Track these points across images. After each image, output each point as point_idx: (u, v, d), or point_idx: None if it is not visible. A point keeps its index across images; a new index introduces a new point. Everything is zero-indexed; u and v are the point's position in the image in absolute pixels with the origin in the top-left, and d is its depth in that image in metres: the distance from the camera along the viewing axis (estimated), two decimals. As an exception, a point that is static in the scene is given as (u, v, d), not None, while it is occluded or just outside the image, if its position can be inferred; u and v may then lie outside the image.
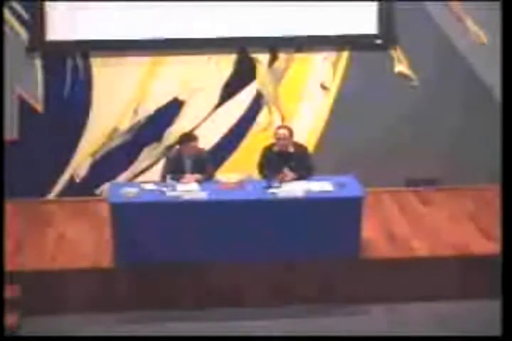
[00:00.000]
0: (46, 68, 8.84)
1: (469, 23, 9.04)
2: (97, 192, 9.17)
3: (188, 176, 7.68)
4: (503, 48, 6.88)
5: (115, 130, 9.10)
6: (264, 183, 7.55)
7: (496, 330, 6.35)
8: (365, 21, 8.90)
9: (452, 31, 9.03)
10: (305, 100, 9.19)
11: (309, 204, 7.34)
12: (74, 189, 9.16)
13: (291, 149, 7.78)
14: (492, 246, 7.73)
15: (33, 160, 8.99)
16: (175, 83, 9.00)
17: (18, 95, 8.87)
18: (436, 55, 9.06)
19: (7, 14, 8.63)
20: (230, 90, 9.08)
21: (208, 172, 7.78)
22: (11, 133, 8.90)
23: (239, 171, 8.23)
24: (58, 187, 9.17)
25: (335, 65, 9.10)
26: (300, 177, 7.66)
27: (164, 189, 7.41)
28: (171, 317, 7.28)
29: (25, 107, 8.91)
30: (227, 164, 9.18)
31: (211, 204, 7.30)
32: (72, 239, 8.07)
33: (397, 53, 9.07)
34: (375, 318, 7.32)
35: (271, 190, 7.42)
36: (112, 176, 9.07)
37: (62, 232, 8.22)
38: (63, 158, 9.09)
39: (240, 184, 7.58)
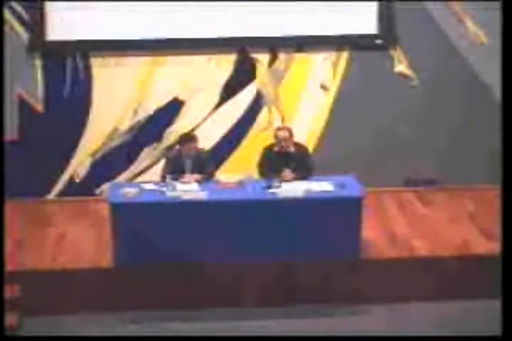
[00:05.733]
0: (46, 68, 8.84)
1: (469, 23, 9.04)
2: (97, 192, 9.17)
3: (188, 176, 7.68)
4: (503, 48, 6.88)
5: (115, 130, 9.10)
6: (264, 183, 7.55)
7: (496, 330, 6.35)
8: (365, 21, 8.90)
9: (452, 31, 9.04)
10: (305, 100, 9.20)
11: (309, 204, 7.33)
12: (74, 189, 9.16)
13: (292, 149, 7.78)
14: (492, 246, 7.73)
15: (33, 160, 8.99)
16: (175, 83, 9.00)
17: (18, 95, 8.87)
18: (436, 55, 9.06)
19: (7, 14, 8.63)
20: (230, 90, 9.08)
21: (208, 172, 7.78)
22: (11, 133, 8.90)
23: (239, 171, 8.24)
24: (58, 187, 9.17)
25: (335, 65, 9.10)
26: (300, 178, 7.66)
27: (164, 189, 7.41)
28: (171, 317, 7.28)
29: (25, 107, 8.91)
30: (227, 164, 9.19)
31: (211, 204, 7.30)
32: (72, 239, 8.07)
33: (397, 53, 9.08)
34: (375, 318, 7.31)
35: (271, 190, 7.42)
36: (112, 176, 9.07)
37: (62, 232, 8.22)
38: (63, 158, 9.10)
39: (240, 184, 7.59)
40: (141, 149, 9.17)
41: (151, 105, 9.07)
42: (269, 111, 9.18)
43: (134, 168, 9.21)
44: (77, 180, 9.19)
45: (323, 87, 9.17)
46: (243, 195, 7.40)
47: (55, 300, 7.33)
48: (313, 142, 9.22)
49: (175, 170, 7.70)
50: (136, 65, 8.91)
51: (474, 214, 8.64)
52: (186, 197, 7.31)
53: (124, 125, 9.09)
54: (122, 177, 9.16)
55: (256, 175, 7.91)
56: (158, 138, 9.14)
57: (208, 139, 8.82)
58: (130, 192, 7.39)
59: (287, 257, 7.39)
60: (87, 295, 7.36)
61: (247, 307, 7.39)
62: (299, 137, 8.32)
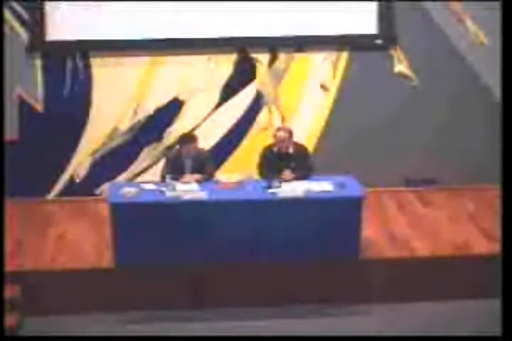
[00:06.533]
0: (46, 68, 8.84)
1: (469, 23, 9.04)
2: (97, 192, 9.18)
3: (188, 176, 7.68)
4: (503, 48, 6.88)
5: (115, 130, 9.10)
6: (264, 183, 7.55)
7: (496, 330, 6.35)
8: (365, 21, 8.90)
9: (452, 31, 9.04)
10: (305, 100, 9.20)
11: (309, 204, 7.33)
12: (74, 189, 9.16)
13: (291, 150, 7.78)
14: (492, 246, 7.74)
15: (33, 160, 8.99)
16: (175, 83, 9.00)
17: (18, 95, 8.87)
18: (436, 55, 9.06)
19: (7, 14, 8.63)
20: (230, 90, 9.09)
21: (208, 172, 7.78)
22: (11, 133, 8.90)
23: (239, 171, 8.24)
24: (58, 187, 9.17)
25: (335, 65, 9.10)
26: (300, 178, 7.66)
27: (164, 189, 7.41)
28: (170, 317, 7.28)
29: (25, 107, 8.91)
30: (227, 164, 9.19)
31: (211, 204, 7.30)
32: (72, 239, 8.07)
33: (397, 53, 9.08)
34: (375, 318, 7.32)
35: (271, 190, 7.42)
36: (111, 176, 9.07)
37: (62, 232, 8.22)
38: (63, 158, 9.10)
39: (240, 184, 7.58)
40: (141, 149, 9.17)
41: (151, 105, 9.07)
42: (269, 111, 9.18)
43: (134, 168, 9.21)
44: (77, 180, 9.19)
45: (323, 87, 9.17)
46: (243, 195, 7.40)
47: (55, 300, 7.33)
48: (313, 142, 9.22)
49: (175, 170, 7.70)
50: (136, 64, 8.92)
51: (474, 214, 8.64)
52: (186, 197, 7.31)
53: (124, 125, 9.10)
54: (122, 177, 9.17)
55: (256, 175, 7.91)
56: (158, 138, 9.14)
57: (208, 139, 8.83)
58: (130, 192, 7.39)
59: (287, 257, 7.39)
60: (87, 295, 7.36)
61: (247, 307, 7.39)
62: (299, 137, 8.32)
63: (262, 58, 9.04)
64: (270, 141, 7.93)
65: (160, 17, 8.69)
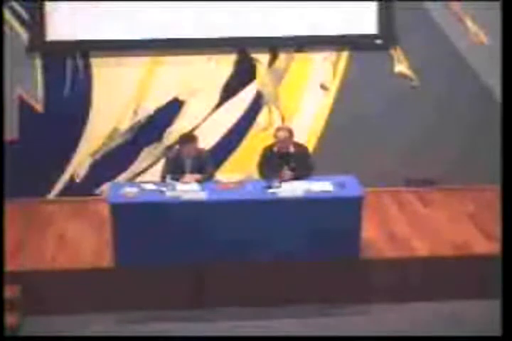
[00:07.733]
0: (46, 68, 8.84)
1: (469, 23, 9.04)
2: (97, 192, 9.18)
3: (188, 176, 7.68)
4: (503, 48, 6.88)
5: (115, 130, 9.10)
6: (264, 183, 7.54)
7: (496, 330, 6.35)
8: (365, 21, 8.90)
9: (452, 31, 9.03)
10: (305, 100, 9.19)
11: (309, 204, 7.33)
12: (74, 189, 9.16)
13: (292, 149, 7.78)
14: (492, 246, 7.74)
15: (33, 160, 8.99)
16: (175, 83, 9.00)
17: (18, 95, 8.87)
18: (436, 55, 9.06)
19: (7, 14, 8.63)
20: (230, 90, 9.08)
21: (208, 172, 7.78)
22: (11, 133, 8.90)
23: (239, 171, 8.24)
24: (58, 187, 9.17)
25: (335, 65, 9.10)
26: (300, 177, 7.66)
27: (164, 189, 7.41)
28: (170, 317, 7.28)
29: (25, 107, 8.91)
30: (227, 164, 9.19)
31: (211, 204, 7.30)
32: (72, 239, 8.08)
33: (397, 53, 9.08)
34: (375, 318, 7.32)
35: (271, 190, 7.42)
36: (111, 176, 9.07)
37: (62, 232, 8.22)
38: (63, 158, 9.10)
39: (240, 184, 7.59)
40: (141, 149, 9.17)
41: (151, 105, 9.06)
42: (269, 111, 9.18)
43: (134, 168, 9.21)
44: (77, 180, 9.19)
45: (323, 87, 9.17)
46: (243, 195, 7.40)
47: (55, 300, 7.33)
48: (313, 142, 9.22)
49: (175, 170, 7.70)
50: (136, 65, 8.91)
51: (474, 214, 8.64)
52: (186, 197, 7.31)
53: (124, 125, 9.09)
54: (122, 177, 9.17)
55: (256, 175, 7.91)
56: (158, 138, 9.14)
57: (207, 139, 8.83)
58: (130, 192, 7.39)
59: (287, 257, 7.39)
60: (87, 295, 7.36)
61: (247, 307, 7.39)
62: (299, 137, 8.32)
63: (262, 58, 9.04)
64: (270, 141, 7.93)
65: (160, 17, 8.70)
